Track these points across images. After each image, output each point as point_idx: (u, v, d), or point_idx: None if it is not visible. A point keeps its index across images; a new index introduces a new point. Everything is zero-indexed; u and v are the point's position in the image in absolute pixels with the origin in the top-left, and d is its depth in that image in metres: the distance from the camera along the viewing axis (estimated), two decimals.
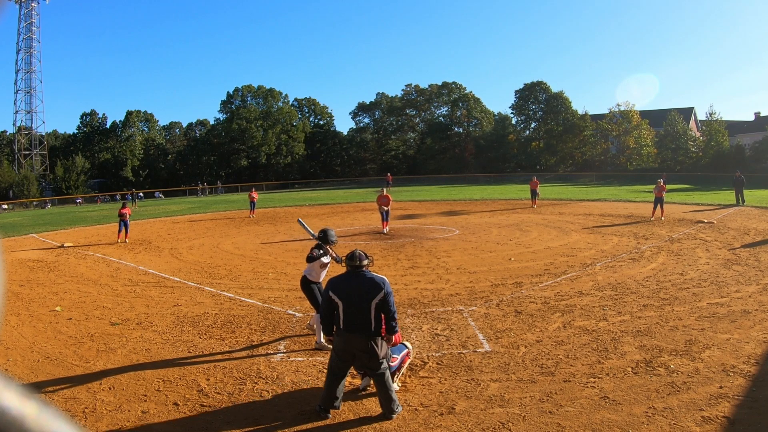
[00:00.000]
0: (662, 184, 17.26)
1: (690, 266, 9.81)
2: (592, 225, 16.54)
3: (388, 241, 14.55)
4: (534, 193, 23.22)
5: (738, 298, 7.49)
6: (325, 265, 6.27)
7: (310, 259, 6.05)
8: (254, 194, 24.17)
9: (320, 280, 6.29)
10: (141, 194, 48.26)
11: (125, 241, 16.27)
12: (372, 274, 4.49)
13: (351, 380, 5.10)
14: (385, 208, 16.33)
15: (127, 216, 16.55)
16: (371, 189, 43.03)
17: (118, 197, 50.74)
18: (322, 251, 6.09)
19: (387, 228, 16.33)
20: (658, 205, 17.03)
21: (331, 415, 4.43)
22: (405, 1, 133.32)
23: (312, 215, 23.59)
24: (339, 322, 4.41)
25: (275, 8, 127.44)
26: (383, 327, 4.42)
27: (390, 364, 4.71)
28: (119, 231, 16.55)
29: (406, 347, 5.16)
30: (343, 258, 4.70)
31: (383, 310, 4.35)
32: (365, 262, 4.53)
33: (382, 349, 4.39)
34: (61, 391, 5.15)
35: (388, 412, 4.37)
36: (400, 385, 4.97)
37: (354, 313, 4.33)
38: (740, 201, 21.87)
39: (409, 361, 5.19)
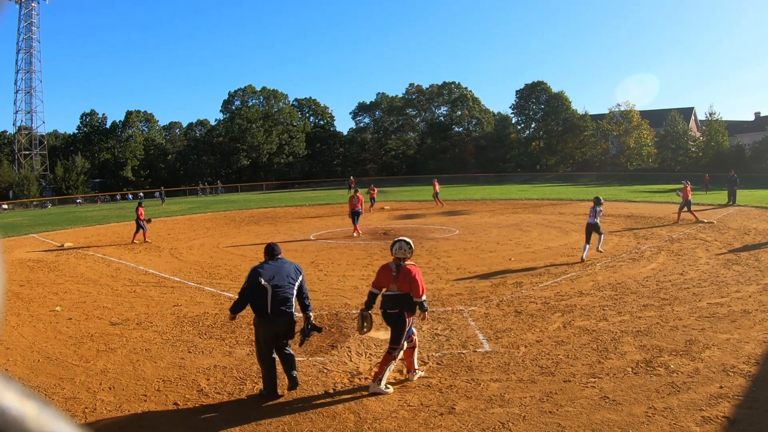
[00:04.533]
0: (688, 188, 16.74)
1: (690, 266, 9.81)
2: None
3: (389, 241, 14.53)
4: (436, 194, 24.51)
5: (738, 298, 7.48)
6: None
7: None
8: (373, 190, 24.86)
9: None
10: (140, 194, 47.88)
11: (136, 242, 16.22)
12: (289, 261, 5.19)
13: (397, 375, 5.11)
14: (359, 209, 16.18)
15: (141, 216, 16.37)
16: None
17: (118, 197, 50.78)
18: None
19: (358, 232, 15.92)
20: (686, 207, 16.57)
21: (283, 395, 4.89)
22: (405, 1, 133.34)
23: (312, 215, 23.60)
24: (266, 308, 4.84)
25: (275, 8, 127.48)
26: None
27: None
28: (144, 232, 16.43)
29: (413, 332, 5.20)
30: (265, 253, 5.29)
31: (301, 292, 5.04)
32: (281, 255, 5.24)
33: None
34: (61, 391, 5.15)
35: (293, 384, 4.97)
36: (422, 373, 5.25)
37: (281, 297, 4.87)
38: (732, 201, 21.73)
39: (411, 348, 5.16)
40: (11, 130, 57.49)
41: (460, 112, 64.05)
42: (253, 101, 64.63)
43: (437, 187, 25.64)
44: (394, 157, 66.05)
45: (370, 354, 5.90)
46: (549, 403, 4.49)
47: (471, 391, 4.81)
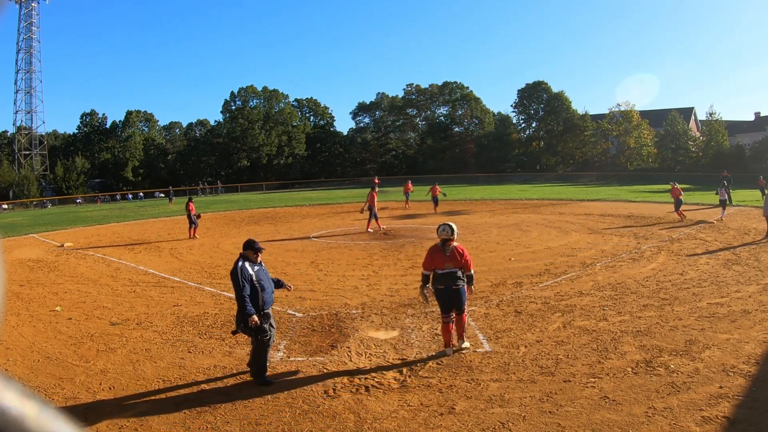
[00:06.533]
0: (677, 187, 17.03)
1: (690, 266, 9.81)
2: (592, 225, 16.53)
3: (389, 241, 14.55)
4: (435, 200, 23.68)
5: (738, 298, 7.48)
6: None
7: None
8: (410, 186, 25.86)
9: None
10: (189, 192, 46.86)
11: (197, 236, 16.47)
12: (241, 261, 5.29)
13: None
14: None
15: (192, 212, 16.44)
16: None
17: (118, 197, 50.79)
18: None
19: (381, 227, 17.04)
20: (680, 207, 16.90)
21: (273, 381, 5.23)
22: (405, 1, 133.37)
23: (312, 215, 23.59)
24: None
25: (275, 8, 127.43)
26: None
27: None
28: (193, 228, 16.58)
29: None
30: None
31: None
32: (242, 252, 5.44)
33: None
34: (61, 391, 5.15)
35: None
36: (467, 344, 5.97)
37: None
38: (728, 201, 21.67)
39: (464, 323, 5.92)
40: (11, 130, 57.57)
41: (461, 112, 64.07)
42: (254, 101, 64.65)
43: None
44: (395, 157, 66.03)
45: (370, 354, 5.90)
46: (549, 403, 4.49)
47: (471, 391, 4.81)
